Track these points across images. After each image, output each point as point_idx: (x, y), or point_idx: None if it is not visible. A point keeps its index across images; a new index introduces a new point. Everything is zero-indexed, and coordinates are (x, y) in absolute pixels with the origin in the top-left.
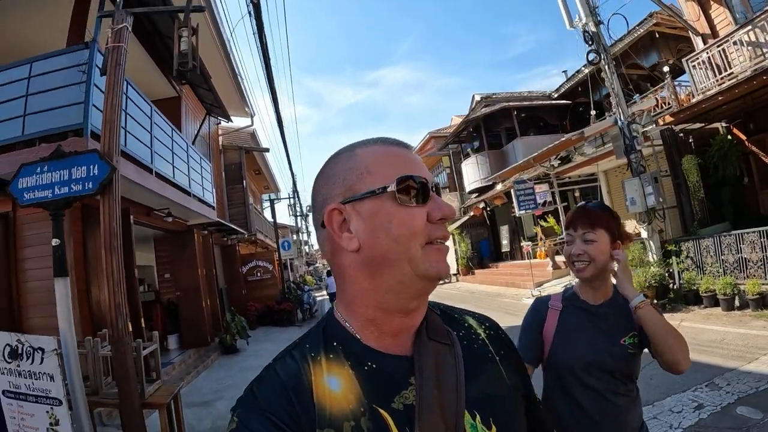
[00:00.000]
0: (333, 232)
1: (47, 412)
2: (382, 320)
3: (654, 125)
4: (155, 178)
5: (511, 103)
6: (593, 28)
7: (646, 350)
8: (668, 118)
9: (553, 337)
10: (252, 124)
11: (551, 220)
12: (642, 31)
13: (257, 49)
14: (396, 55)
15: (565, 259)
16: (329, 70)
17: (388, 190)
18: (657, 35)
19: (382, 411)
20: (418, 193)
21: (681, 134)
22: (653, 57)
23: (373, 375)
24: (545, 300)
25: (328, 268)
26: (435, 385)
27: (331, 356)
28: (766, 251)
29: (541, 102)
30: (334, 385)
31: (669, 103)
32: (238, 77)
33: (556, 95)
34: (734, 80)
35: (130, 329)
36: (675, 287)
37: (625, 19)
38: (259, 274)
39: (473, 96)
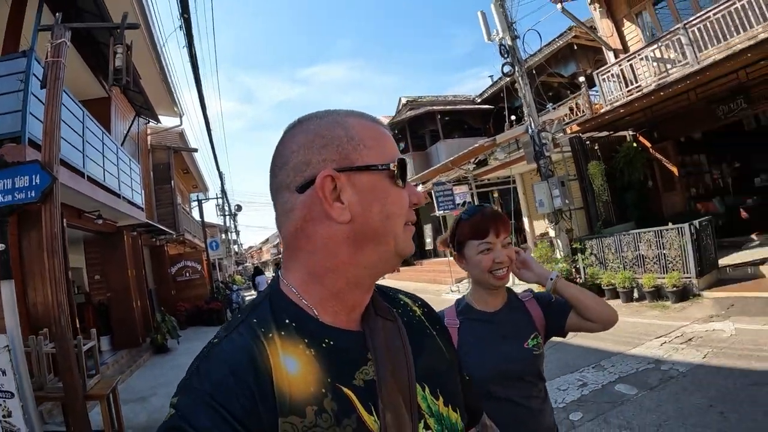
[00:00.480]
0: (323, 200)
1: (0, 404)
2: (347, 295)
3: (562, 133)
4: (87, 182)
5: (435, 107)
6: (509, 42)
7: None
8: (575, 127)
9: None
10: (181, 124)
11: None
12: (561, 42)
13: (188, 58)
14: (332, 53)
15: (474, 269)
16: (264, 66)
17: (391, 168)
18: (575, 47)
19: (345, 389)
20: (405, 175)
21: (588, 141)
22: (572, 67)
23: (331, 352)
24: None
25: (257, 265)
26: (388, 358)
27: (284, 333)
28: (661, 248)
29: (464, 106)
30: (291, 366)
31: (584, 111)
32: (168, 78)
33: (479, 100)
34: (639, 93)
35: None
36: (580, 281)
37: (539, 35)
38: (188, 275)
39: (400, 99)
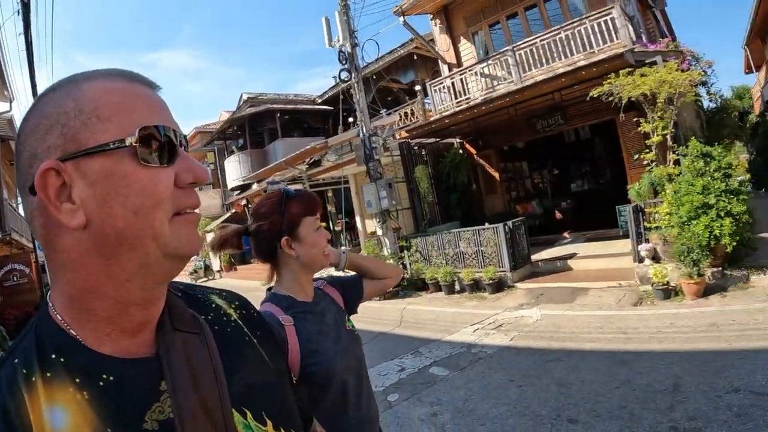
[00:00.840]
0: (48, 202)
1: None
2: (120, 317)
3: (392, 138)
4: None
5: (275, 106)
6: (349, 50)
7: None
8: (404, 133)
9: (300, 357)
10: (10, 110)
11: None
12: (403, 52)
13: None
14: (178, 39)
15: (311, 249)
16: (104, 48)
17: (127, 143)
18: (416, 57)
19: None
20: (164, 149)
21: (416, 147)
22: (411, 75)
23: (112, 391)
24: (271, 318)
25: None
26: (192, 385)
27: (49, 374)
28: (479, 245)
29: (305, 106)
30: (59, 419)
31: (417, 118)
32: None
33: (320, 101)
34: (466, 105)
35: None
36: (407, 277)
37: (378, 45)
38: (15, 279)
39: (241, 95)
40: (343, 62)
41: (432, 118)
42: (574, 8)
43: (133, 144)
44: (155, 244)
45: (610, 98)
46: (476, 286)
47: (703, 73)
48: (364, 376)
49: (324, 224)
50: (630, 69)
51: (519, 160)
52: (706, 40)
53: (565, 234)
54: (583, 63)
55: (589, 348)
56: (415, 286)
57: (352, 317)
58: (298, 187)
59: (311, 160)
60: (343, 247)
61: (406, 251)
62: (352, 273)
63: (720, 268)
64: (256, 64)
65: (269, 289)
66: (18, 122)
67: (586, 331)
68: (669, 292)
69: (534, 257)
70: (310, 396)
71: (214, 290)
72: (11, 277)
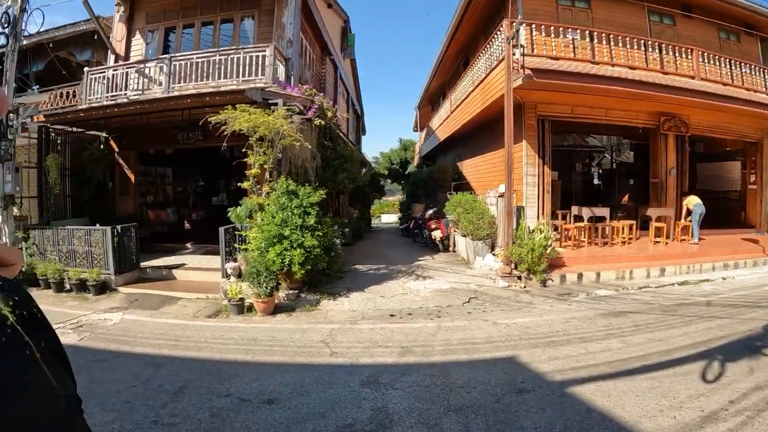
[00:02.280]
0: None
1: None
2: None
3: (30, 120)
4: None
5: None
6: (16, 14)
7: None
8: (42, 118)
9: None
10: None
11: None
12: (86, 27)
13: None
14: None
15: None
16: None
17: None
18: (96, 36)
19: None
20: None
21: (56, 134)
22: (88, 53)
23: None
24: None
25: None
26: None
27: None
28: (90, 246)
29: None
30: None
31: (79, 101)
32: None
33: None
34: (115, 101)
35: None
36: (23, 270)
37: (43, 16)
38: None
39: None
40: (5, 25)
41: (79, 107)
42: (244, 36)
43: None
44: None
45: (224, 126)
46: (83, 286)
47: (319, 120)
48: None
49: None
50: (250, 105)
51: (163, 166)
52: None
53: (188, 245)
54: (211, 90)
55: (132, 351)
56: (27, 281)
57: None
58: None
59: None
60: None
61: (23, 242)
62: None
63: (297, 291)
64: None
65: None
66: None
67: (147, 336)
68: (243, 308)
69: (146, 264)
70: None
71: None
72: None
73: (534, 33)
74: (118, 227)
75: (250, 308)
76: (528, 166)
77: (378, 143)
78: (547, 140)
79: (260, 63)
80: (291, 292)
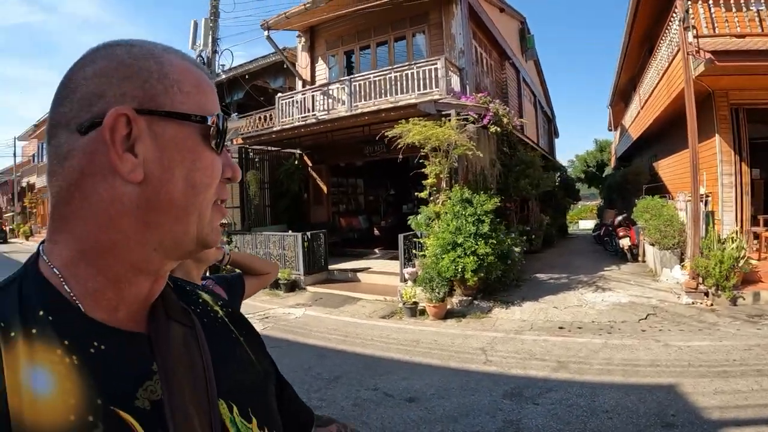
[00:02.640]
0: (110, 145)
1: None
2: (129, 284)
3: (230, 142)
4: None
5: None
6: (209, 56)
7: None
8: (240, 141)
9: None
10: None
11: None
12: (275, 58)
13: None
14: None
15: None
16: None
17: (209, 122)
18: (285, 65)
19: (123, 413)
20: (221, 139)
21: (254, 153)
22: (281, 81)
23: (103, 361)
24: None
25: None
26: (182, 372)
27: (35, 332)
28: (283, 249)
29: None
30: (42, 382)
31: (274, 123)
32: None
33: None
34: (305, 122)
35: None
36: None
37: (232, 55)
38: None
39: None
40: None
41: (273, 129)
42: (418, 51)
43: (210, 124)
44: (197, 224)
45: (399, 140)
46: (275, 284)
47: (494, 127)
48: None
49: None
50: (424, 117)
51: (354, 177)
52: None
53: (376, 250)
54: (387, 106)
55: (305, 342)
56: None
57: None
58: None
59: None
60: (224, 246)
61: (228, 245)
62: (236, 271)
63: (470, 298)
64: (160, 25)
65: None
66: None
67: (322, 330)
68: (415, 311)
69: (334, 266)
70: None
71: (202, 287)
72: None
73: (713, 10)
74: (308, 233)
75: (423, 312)
76: (723, 164)
77: (574, 145)
78: (744, 133)
79: (433, 76)
80: (464, 298)
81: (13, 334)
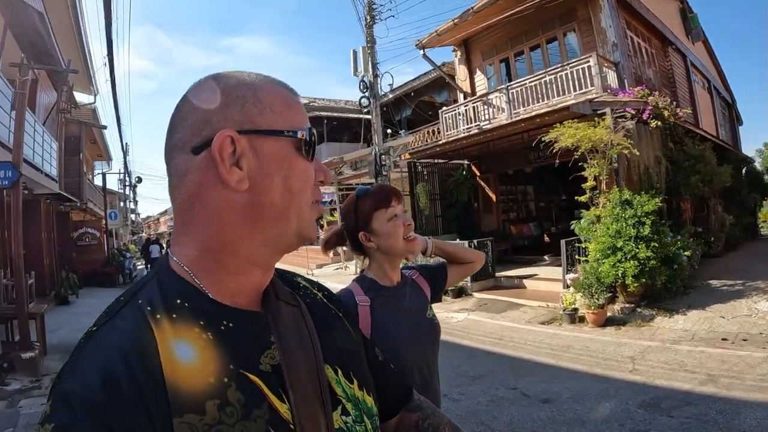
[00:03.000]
0: (220, 162)
1: None
2: (244, 274)
3: (399, 158)
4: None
5: (323, 113)
6: (371, 80)
7: None
8: (407, 156)
9: (371, 336)
10: (95, 102)
11: (336, 215)
12: (435, 74)
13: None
14: (257, 23)
15: (388, 239)
16: (184, 27)
17: (299, 135)
18: (446, 79)
19: (251, 375)
20: (312, 148)
21: (422, 166)
22: (444, 95)
23: (232, 335)
24: (347, 296)
25: (149, 236)
26: (293, 341)
27: (175, 316)
28: None
29: (350, 115)
30: (186, 353)
31: (439, 137)
32: (89, 60)
33: (365, 110)
34: (465, 133)
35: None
36: None
37: (392, 77)
38: (87, 240)
39: None
40: (364, 90)
41: (438, 143)
42: (572, 50)
43: (300, 137)
44: (296, 221)
45: (555, 144)
46: (460, 292)
47: (654, 122)
48: (434, 371)
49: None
50: (579, 118)
51: (524, 184)
52: None
53: (545, 256)
54: (542, 110)
55: (460, 343)
56: None
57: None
58: (330, 189)
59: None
60: (427, 236)
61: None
62: (439, 260)
63: (633, 305)
64: (324, 56)
65: (362, 272)
66: (100, 112)
67: (479, 333)
68: (575, 318)
69: (501, 273)
70: None
71: (297, 275)
72: (84, 238)
73: None
74: (475, 241)
75: (582, 318)
76: None
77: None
78: None
79: (587, 74)
80: (627, 305)
81: (159, 317)
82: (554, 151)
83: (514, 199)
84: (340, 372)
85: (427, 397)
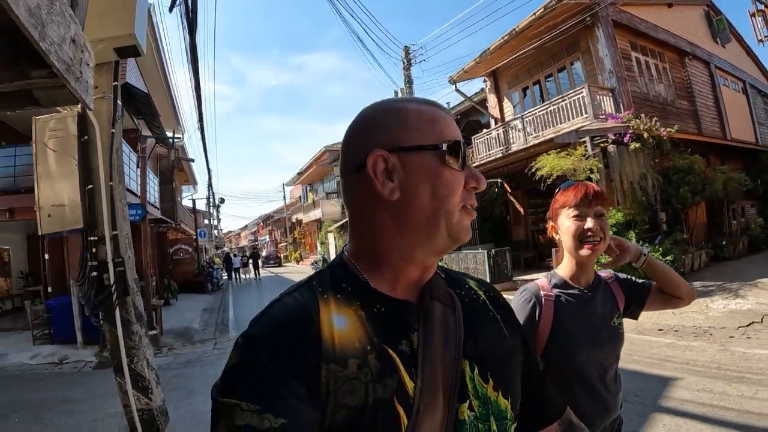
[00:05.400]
0: (374, 177)
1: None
2: (400, 269)
3: None
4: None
5: None
6: None
7: None
8: None
9: (550, 330)
10: (182, 139)
11: None
12: (476, 99)
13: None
14: (326, 41)
15: (564, 236)
16: (256, 49)
17: (441, 148)
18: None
19: (390, 351)
20: (460, 157)
21: None
22: (486, 116)
23: (381, 317)
24: (534, 290)
25: (227, 251)
26: (437, 333)
27: (340, 296)
28: (476, 263)
29: None
30: (341, 322)
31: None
32: (176, 106)
33: None
34: (492, 156)
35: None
36: None
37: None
38: (181, 255)
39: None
40: None
41: (475, 164)
42: (578, 78)
43: (443, 150)
44: (446, 225)
45: (537, 172)
46: None
47: (633, 144)
48: (609, 379)
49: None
50: (563, 148)
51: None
52: None
53: None
54: (536, 141)
55: None
56: None
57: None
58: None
59: None
60: (644, 247)
61: (438, 262)
62: (645, 280)
63: None
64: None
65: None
66: (186, 145)
67: None
68: None
69: (518, 277)
70: None
71: (470, 276)
72: (179, 253)
73: None
74: (493, 250)
75: None
76: None
77: None
78: None
79: (582, 103)
80: None
81: (326, 296)
82: (536, 178)
83: (543, 212)
84: (476, 370)
85: (595, 406)
